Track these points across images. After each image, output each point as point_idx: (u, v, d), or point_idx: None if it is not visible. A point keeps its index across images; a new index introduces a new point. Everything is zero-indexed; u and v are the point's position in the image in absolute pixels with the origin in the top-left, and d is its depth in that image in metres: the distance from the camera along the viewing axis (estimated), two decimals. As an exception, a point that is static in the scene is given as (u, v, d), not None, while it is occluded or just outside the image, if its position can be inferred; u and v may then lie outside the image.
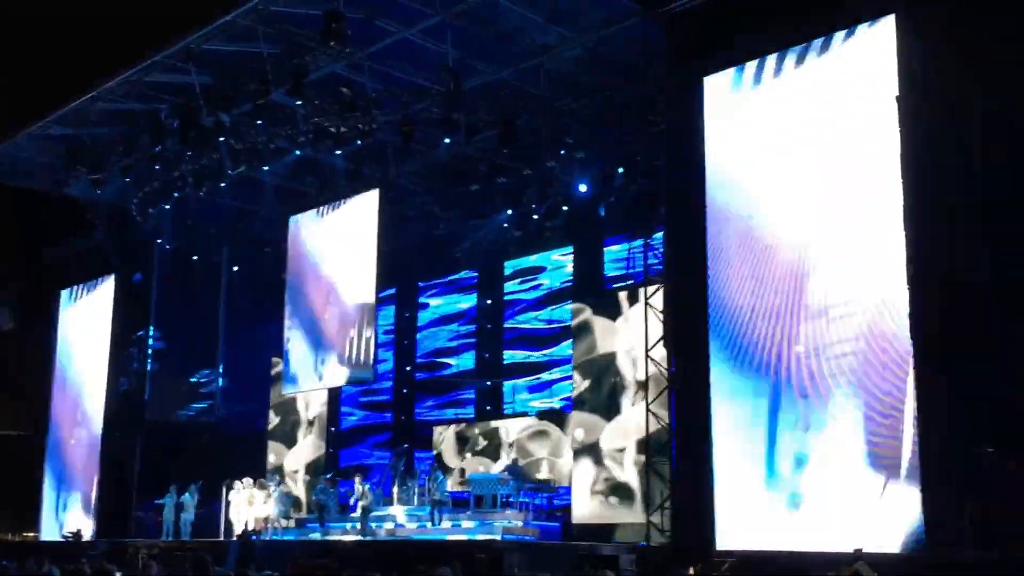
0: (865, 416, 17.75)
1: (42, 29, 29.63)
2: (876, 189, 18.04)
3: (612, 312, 27.26)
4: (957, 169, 17.27)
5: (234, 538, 27.89)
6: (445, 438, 31.68)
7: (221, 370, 36.10)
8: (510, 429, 30.22)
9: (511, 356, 31.57)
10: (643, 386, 24.66)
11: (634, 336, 25.87)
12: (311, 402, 35.00)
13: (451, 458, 30.76)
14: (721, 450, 19.87)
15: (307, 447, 35.12)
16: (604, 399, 26.92)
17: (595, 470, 26.80)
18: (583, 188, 27.42)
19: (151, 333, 34.91)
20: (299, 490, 34.10)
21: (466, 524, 25.94)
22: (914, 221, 17.41)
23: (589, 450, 27.00)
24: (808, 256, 18.96)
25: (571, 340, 28.58)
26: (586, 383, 27.33)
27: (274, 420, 35.94)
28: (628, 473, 26.06)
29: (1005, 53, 16.76)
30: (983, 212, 16.99)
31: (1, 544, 36.37)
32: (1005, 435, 16.06)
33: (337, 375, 30.64)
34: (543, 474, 28.72)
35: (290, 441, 35.47)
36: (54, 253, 37.18)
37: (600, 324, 27.36)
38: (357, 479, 27.69)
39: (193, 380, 36.16)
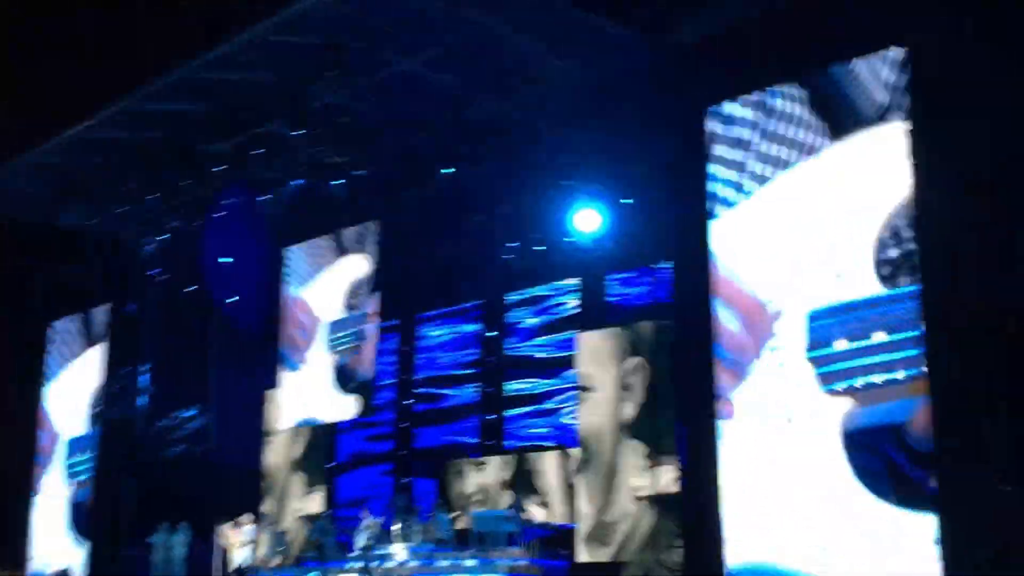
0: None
1: (35, 58, 30.05)
2: (885, 222, 18.41)
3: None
4: (968, 202, 17.62)
5: (229, 576, 28.20)
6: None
7: (214, 405, 36.39)
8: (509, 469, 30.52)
9: (513, 386, 31.95)
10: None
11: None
12: (307, 437, 35.24)
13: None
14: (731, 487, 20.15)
15: (303, 485, 35.34)
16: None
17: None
18: (588, 220, 27.80)
19: (142, 366, 35.20)
20: (296, 528, 34.32)
21: (468, 563, 26.19)
22: (926, 259, 17.79)
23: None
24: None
25: (574, 370, 28.96)
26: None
27: (268, 459, 36.12)
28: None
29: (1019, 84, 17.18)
30: (996, 242, 17.32)
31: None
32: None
33: (335, 408, 30.91)
34: (552, 506, 29.01)
35: (285, 480, 35.68)
36: (44, 284, 37.49)
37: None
38: (364, 512, 27.87)
39: (186, 415, 36.45)
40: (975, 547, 16.58)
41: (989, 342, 16.77)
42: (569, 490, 28.59)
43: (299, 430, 34.61)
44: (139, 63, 26.81)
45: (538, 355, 31.48)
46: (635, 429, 26.52)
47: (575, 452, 28.19)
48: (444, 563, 26.35)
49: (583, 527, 27.18)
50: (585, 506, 27.17)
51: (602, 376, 27.64)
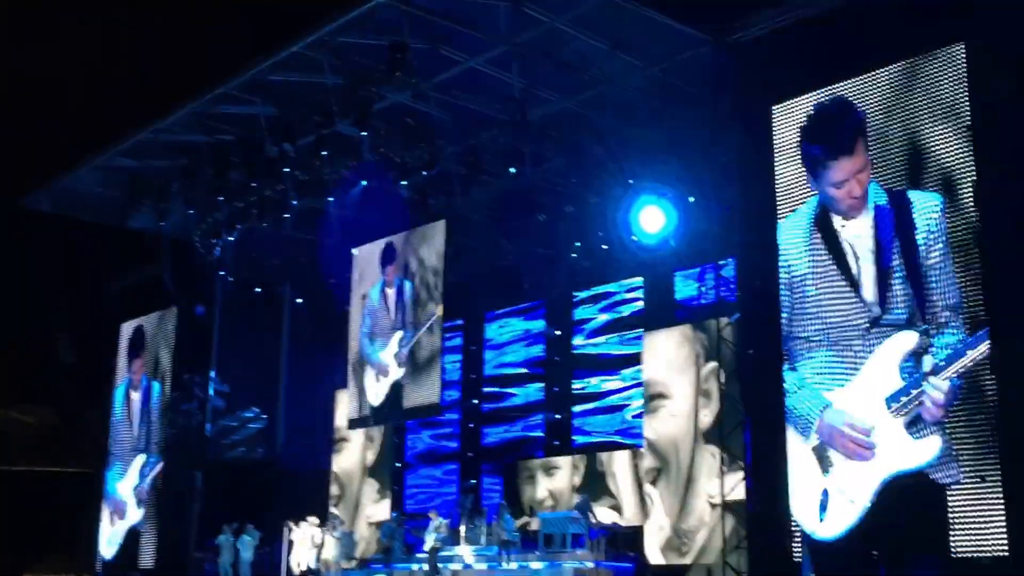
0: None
1: (105, 61, 30.67)
2: (952, 222, 18.51)
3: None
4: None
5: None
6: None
7: (283, 406, 36.93)
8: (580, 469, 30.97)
9: (580, 384, 32.35)
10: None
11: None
12: (374, 437, 35.75)
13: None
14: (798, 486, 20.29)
15: (371, 485, 35.84)
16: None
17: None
18: (653, 218, 28.07)
19: (212, 367, 35.87)
20: (362, 529, 34.82)
21: (535, 565, 26.50)
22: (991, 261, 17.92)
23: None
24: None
25: (640, 368, 29.39)
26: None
27: (336, 461, 36.66)
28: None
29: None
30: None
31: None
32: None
33: (402, 409, 31.35)
34: (621, 506, 29.41)
35: (353, 481, 36.21)
36: (115, 285, 38.07)
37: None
38: (433, 514, 28.28)
39: (254, 415, 37.01)
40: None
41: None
42: (639, 489, 28.92)
43: (367, 432, 35.11)
44: (208, 65, 27.34)
45: (605, 353, 31.84)
46: (711, 435, 26.85)
47: (643, 451, 28.53)
48: (511, 565, 26.68)
49: (660, 536, 27.53)
50: (661, 516, 27.54)
51: (678, 383, 27.98)
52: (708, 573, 25.90)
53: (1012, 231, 17.77)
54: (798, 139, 20.75)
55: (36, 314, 38.30)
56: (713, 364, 27.17)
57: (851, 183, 19.17)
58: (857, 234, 19.24)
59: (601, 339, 32.07)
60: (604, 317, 32.16)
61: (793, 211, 20.45)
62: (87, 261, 36.43)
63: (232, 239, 31.88)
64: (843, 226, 19.38)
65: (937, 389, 17.49)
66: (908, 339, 18.12)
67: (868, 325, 18.75)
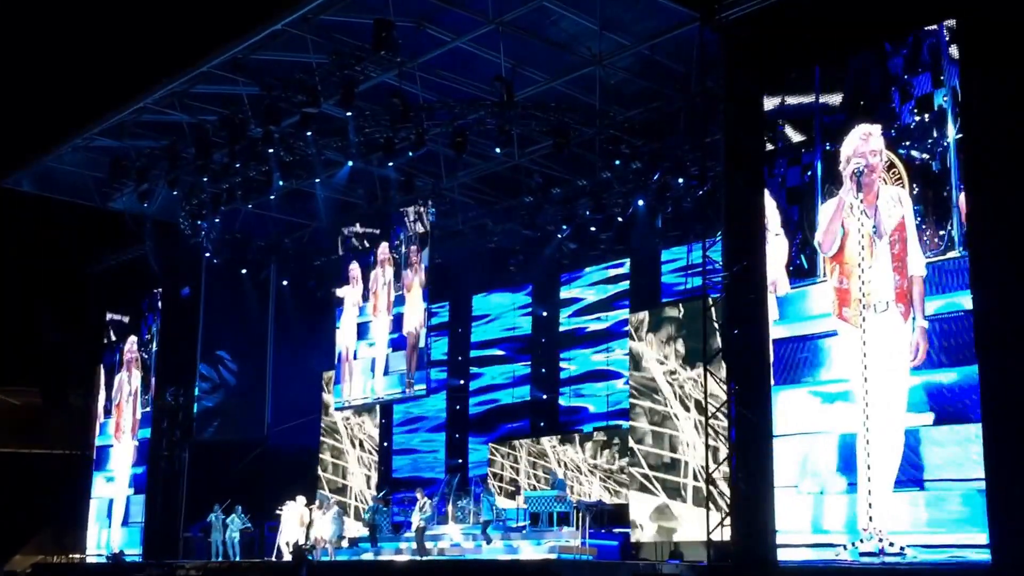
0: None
1: (86, 39, 30.15)
2: (938, 201, 18.09)
3: (662, 334, 27.48)
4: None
5: (288, 555, 28.18)
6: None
7: (270, 386, 36.49)
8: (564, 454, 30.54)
9: (566, 363, 32.03)
10: (701, 405, 24.73)
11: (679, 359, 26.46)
12: (362, 417, 35.32)
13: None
14: (782, 465, 19.91)
15: (357, 466, 35.41)
16: (655, 423, 27.12)
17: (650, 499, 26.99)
18: (640, 203, 27.72)
19: (199, 349, 35.39)
20: (351, 508, 34.42)
21: (520, 543, 26.14)
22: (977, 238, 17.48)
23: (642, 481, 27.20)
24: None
25: (626, 341, 28.94)
26: (640, 404, 27.59)
27: (324, 444, 36.27)
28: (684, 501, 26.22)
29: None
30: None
31: (46, 567, 36.92)
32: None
33: (388, 390, 30.97)
34: (606, 483, 28.99)
35: (340, 463, 35.78)
36: (100, 267, 37.65)
37: (650, 349, 27.60)
38: (419, 492, 27.90)
39: (241, 397, 36.56)
40: None
41: None
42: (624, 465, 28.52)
43: (353, 412, 34.71)
44: (190, 44, 26.82)
45: (591, 332, 31.52)
46: (691, 402, 26.39)
47: (628, 427, 28.10)
48: (497, 543, 26.33)
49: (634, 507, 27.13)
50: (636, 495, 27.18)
51: (656, 352, 27.52)
52: (675, 547, 25.43)
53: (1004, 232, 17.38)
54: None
55: (19, 296, 37.85)
56: (683, 335, 26.62)
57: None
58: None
59: (588, 318, 31.72)
60: (591, 297, 31.83)
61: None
62: (71, 242, 36.03)
63: (217, 220, 31.35)
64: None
65: None
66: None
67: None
